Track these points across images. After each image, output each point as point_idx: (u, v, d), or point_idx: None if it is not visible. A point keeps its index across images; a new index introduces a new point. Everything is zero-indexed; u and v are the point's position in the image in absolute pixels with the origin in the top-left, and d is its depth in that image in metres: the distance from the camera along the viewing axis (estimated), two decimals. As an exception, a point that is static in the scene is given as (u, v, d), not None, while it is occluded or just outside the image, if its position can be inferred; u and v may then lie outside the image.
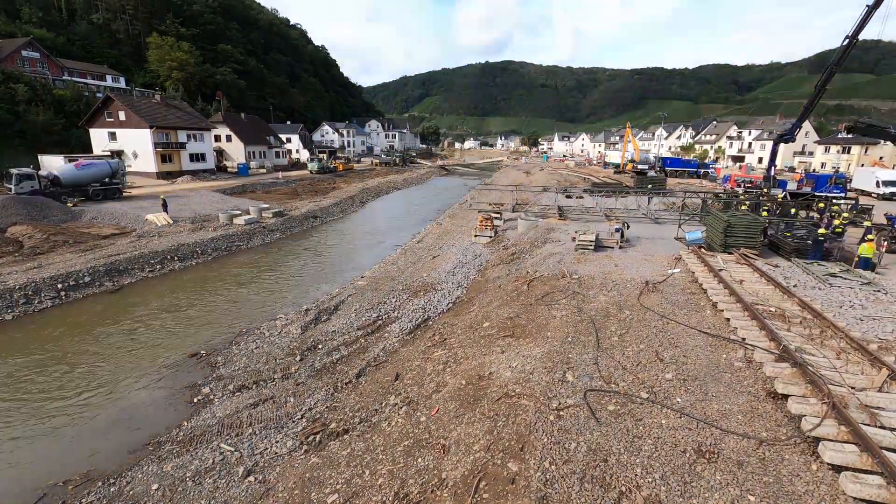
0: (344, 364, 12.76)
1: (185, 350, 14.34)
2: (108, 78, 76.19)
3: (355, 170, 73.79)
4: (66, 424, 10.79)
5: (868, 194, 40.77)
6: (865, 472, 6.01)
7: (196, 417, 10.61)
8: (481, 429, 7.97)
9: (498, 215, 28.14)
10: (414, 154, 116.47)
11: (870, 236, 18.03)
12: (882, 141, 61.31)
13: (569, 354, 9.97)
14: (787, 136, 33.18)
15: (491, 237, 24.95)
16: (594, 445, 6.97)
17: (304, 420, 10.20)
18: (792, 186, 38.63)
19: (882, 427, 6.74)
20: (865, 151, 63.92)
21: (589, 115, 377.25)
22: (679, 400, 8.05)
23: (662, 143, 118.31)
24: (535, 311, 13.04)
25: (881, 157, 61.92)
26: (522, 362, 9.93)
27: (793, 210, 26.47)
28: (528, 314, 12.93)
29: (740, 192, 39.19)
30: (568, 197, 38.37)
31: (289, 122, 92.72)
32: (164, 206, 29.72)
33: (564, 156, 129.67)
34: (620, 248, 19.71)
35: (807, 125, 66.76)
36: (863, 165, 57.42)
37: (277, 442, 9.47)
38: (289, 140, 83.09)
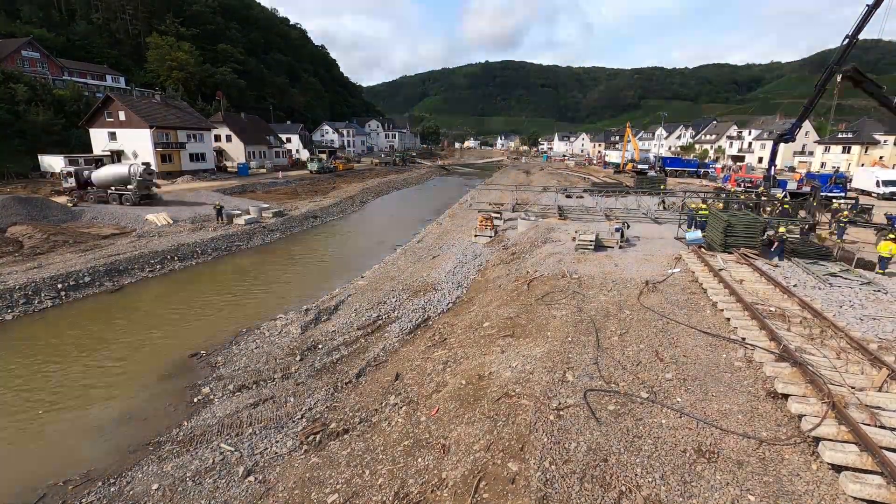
0: (344, 364, 12.76)
1: (185, 350, 14.33)
2: (108, 78, 76.19)
3: (355, 170, 73.78)
4: (67, 424, 10.79)
5: (868, 194, 40.78)
6: (865, 471, 6.01)
7: (196, 417, 10.61)
8: (481, 429, 7.97)
9: (498, 215, 28.13)
10: (414, 154, 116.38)
11: (891, 234, 17.53)
12: (882, 140, 61.34)
13: (569, 354, 9.96)
14: (787, 136, 33.21)
15: (491, 237, 24.95)
16: (594, 445, 6.97)
17: (304, 420, 10.20)
18: (792, 186, 38.63)
19: (882, 427, 6.74)
20: (866, 151, 63.89)
21: (589, 115, 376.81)
22: (679, 400, 8.04)
23: (662, 143, 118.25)
24: (535, 310, 13.04)
25: (881, 157, 61.91)
26: (522, 362, 9.93)
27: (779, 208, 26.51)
28: (528, 314, 12.93)
29: (740, 191, 39.19)
30: (568, 197, 38.38)
31: (289, 122, 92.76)
32: (219, 214, 29.98)
33: (564, 155, 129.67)
34: (620, 247, 19.70)
35: (807, 125, 66.72)
36: (863, 165, 57.41)
37: (277, 442, 9.47)
38: (289, 140, 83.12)
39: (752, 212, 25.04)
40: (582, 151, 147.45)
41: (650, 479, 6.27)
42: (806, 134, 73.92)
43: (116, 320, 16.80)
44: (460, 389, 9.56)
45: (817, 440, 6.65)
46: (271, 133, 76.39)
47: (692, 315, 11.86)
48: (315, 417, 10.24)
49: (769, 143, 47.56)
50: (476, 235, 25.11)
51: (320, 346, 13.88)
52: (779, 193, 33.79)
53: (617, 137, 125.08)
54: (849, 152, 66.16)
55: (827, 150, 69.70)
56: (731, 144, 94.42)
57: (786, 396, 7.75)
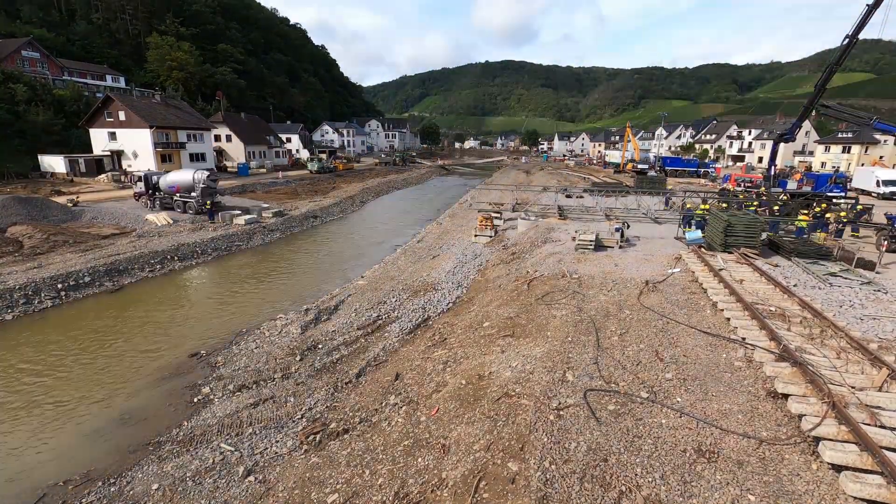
0: (344, 364, 12.76)
1: (185, 350, 14.34)
2: (108, 78, 76.21)
3: (355, 170, 73.81)
4: (67, 424, 10.80)
5: (868, 194, 40.74)
6: (865, 471, 6.00)
7: (196, 417, 10.61)
8: (481, 428, 7.97)
9: (498, 215, 28.14)
10: (414, 154, 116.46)
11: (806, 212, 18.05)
12: (882, 140, 61.30)
13: (569, 354, 9.96)
14: (788, 136, 33.15)
15: (491, 237, 24.95)
16: (594, 445, 6.97)
17: (304, 420, 10.20)
18: (792, 186, 38.59)
19: (882, 426, 6.74)
20: (866, 151, 63.88)
21: (589, 115, 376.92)
22: (679, 399, 8.04)
23: (662, 143, 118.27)
24: (535, 310, 13.04)
25: (881, 157, 61.90)
26: (522, 362, 9.93)
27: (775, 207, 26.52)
28: (528, 314, 12.92)
29: (741, 191, 39.16)
30: (568, 197, 38.38)
31: (289, 122, 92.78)
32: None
33: (564, 155, 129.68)
34: (620, 247, 19.70)
35: (807, 125, 66.71)
36: (863, 165, 57.38)
37: (277, 442, 9.47)
38: (289, 140, 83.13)
39: (762, 206, 24.94)
40: (582, 151, 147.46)
41: (650, 479, 6.27)
42: (806, 134, 73.89)
43: (116, 320, 16.80)
44: (460, 389, 9.56)
45: (817, 440, 6.65)
46: (271, 133, 76.40)
47: (692, 315, 11.86)
48: (315, 417, 10.24)
49: (769, 143, 47.52)
50: (476, 235, 25.11)
51: (320, 346, 13.87)
52: (779, 193, 33.73)
53: (617, 137, 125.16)
54: (849, 152, 66.14)
55: (827, 149, 69.66)
56: (731, 144, 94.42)
57: (786, 396, 7.76)
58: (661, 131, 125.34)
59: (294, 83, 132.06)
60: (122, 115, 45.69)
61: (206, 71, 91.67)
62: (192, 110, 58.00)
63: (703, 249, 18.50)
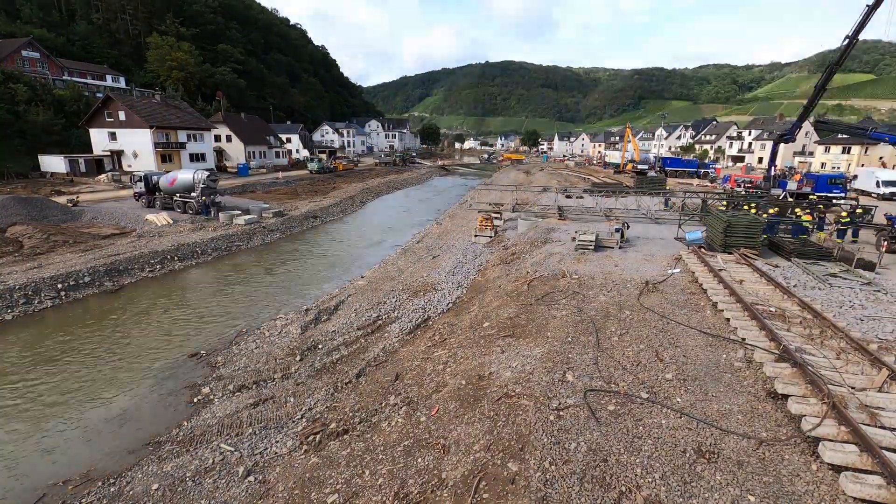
0: (344, 364, 12.76)
1: (185, 350, 14.34)
2: (108, 78, 76.25)
3: (355, 170, 73.82)
4: (66, 424, 10.80)
5: (868, 194, 40.76)
6: (865, 472, 6.00)
7: (196, 417, 10.62)
8: (481, 429, 7.97)
9: (498, 215, 28.14)
10: (414, 154, 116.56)
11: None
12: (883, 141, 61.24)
13: (569, 354, 9.96)
14: (788, 136, 33.17)
15: (491, 237, 24.95)
16: (594, 445, 6.97)
17: (304, 420, 10.20)
18: (792, 186, 38.61)
19: (882, 427, 6.74)
20: (865, 152, 63.89)
21: (589, 115, 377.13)
22: (679, 400, 8.04)
23: (662, 144, 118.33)
24: (535, 311, 13.04)
25: (881, 158, 61.90)
26: (522, 362, 9.93)
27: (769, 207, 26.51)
28: (528, 314, 12.92)
29: (741, 191, 39.19)
30: (568, 197, 38.36)
31: (289, 122, 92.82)
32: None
33: (564, 156, 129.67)
34: (620, 248, 19.70)
35: (807, 125, 66.64)
36: (863, 165, 57.39)
37: (277, 442, 9.47)
38: (289, 140, 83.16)
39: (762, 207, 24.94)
40: (582, 152, 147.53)
41: (650, 480, 6.27)
42: (806, 134, 73.89)
43: (116, 320, 16.80)
44: (460, 389, 9.56)
45: (817, 440, 6.64)
46: (271, 133, 76.42)
47: (692, 315, 11.86)
48: (315, 417, 10.24)
49: (769, 144, 47.56)
50: (476, 235, 25.11)
51: (320, 347, 13.88)
52: (779, 193, 33.76)
53: (617, 138, 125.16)
54: (849, 153, 66.15)
55: (827, 150, 69.68)
56: (731, 145, 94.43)
57: (786, 397, 7.75)
58: (660, 132, 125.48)
59: (294, 83, 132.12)
60: (122, 116, 45.73)
61: (206, 71, 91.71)
62: (192, 110, 58.03)
63: (702, 250, 18.50)
